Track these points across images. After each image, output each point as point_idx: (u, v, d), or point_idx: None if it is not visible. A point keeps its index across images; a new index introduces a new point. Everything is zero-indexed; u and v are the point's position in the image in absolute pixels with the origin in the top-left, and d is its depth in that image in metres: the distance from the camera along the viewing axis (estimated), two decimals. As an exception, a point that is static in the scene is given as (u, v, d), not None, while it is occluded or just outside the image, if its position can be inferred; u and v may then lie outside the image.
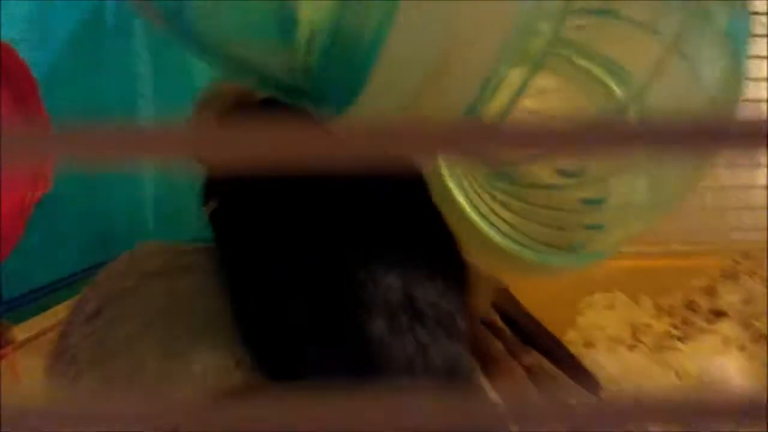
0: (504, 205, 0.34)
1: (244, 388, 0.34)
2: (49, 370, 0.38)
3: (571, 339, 0.76)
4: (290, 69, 0.24)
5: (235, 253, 0.36)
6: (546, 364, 0.51)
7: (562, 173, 0.29)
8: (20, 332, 0.50)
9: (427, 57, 0.24)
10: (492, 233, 0.36)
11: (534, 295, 0.65)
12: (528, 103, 0.30)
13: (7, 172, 0.48)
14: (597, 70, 0.34)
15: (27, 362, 0.47)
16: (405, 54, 0.24)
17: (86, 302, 0.39)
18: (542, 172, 0.30)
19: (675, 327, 0.70)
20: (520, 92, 0.29)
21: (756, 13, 0.68)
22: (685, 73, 0.33)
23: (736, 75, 0.31)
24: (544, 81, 0.32)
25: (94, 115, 0.68)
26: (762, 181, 0.91)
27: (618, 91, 0.33)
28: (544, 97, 0.31)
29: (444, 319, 0.33)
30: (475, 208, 0.36)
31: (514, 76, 0.29)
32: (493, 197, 0.34)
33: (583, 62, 0.34)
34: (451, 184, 0.36)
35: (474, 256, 0.39)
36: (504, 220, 0.35)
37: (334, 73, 0.24)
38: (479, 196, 0.36)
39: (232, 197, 0.37)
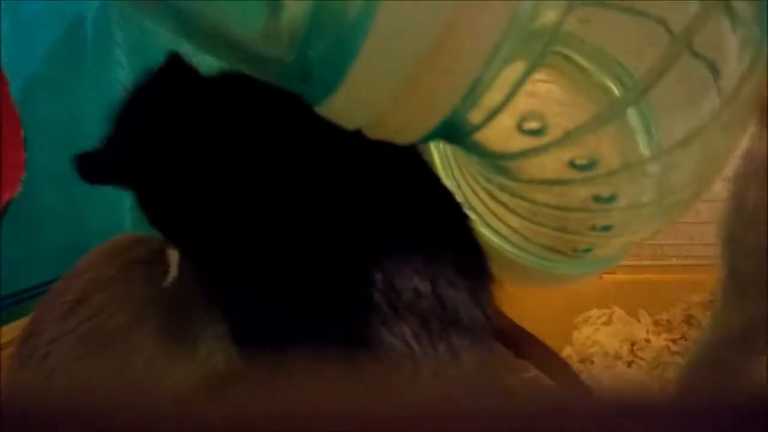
0: (504, 205, 0.32)
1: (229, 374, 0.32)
2: (14, 372, 0.35)
3: (568, 355, 0.74)
4: (275, 43, 0.22)
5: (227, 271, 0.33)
6: (544, 378, 0.49)
7: (574, 165, 0.27)
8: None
9: (417, 43, 0.22)
10: (491, 236, 0.34)
11: (528, 310, 0.63)
12: (524, 103, 0.28)
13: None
14: (597, 71, 0.32)
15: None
16: (394, 36, 0.22)
17: (62, 294, 0.37)
18: (549, 164, 0.27)
19: (674, 342, 0.68)
20: (515, 90, 0.27)
21: None
22: (698, 72, 0.31)
23: (757, 73, 0.30)
24: (542, 83, 0.30)
25: (73, 122, 0.66)
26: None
27: (617, 92, 0.31)
28: (541, 98, 0.29)
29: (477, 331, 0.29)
30: (473, 208, 0.34)
31: (513, 71, 0.27)
32: (493, 197, 0.32)
33: (584, 61, 0.32)
34: (448, 184, 0.34)
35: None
36: (504, 223, 0.33)
37: (320, 47, 0.22)
38: (477, 196, 0.34)
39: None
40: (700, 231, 0.88)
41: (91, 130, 0.69)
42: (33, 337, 0.37)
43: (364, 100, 0.23)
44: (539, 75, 0.28)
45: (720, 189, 0.89)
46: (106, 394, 0.12)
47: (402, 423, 0.12)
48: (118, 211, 0.72)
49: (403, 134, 0.26)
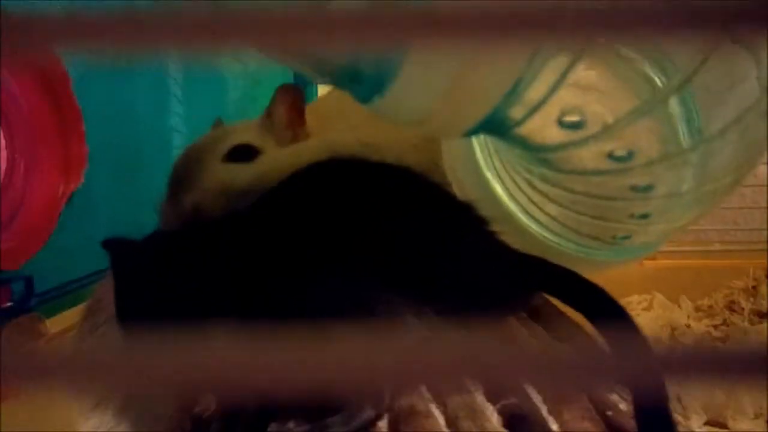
0: (544, 194, 0.33)
1: None
2: (81, 325, 0.38)
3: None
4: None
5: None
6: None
7: (612, 157, 0.28)
8: (53, 325, 0.50)
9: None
10: (531, 225, 0.35)
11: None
12: (565, 96, 0.28)
13: (39, 165, 0.48)
14: (640, 59, 0.32)
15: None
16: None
17: None
18: (588, 156, 0.28)
19: (716, 328, 0.68)
20: (558, 85, 0.27)
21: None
22: (739, 59, 0.31)
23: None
24: (586, 73, 0.30)
25: (126, 115, 0.69)
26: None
27: (659, 82, 0.32)
28: (582, 90, 0.30)
29: None
30: (513, 198, 0.35)
31: (556, 65, 0.27)
32: (533, 186, 0.33)
33: (626, 50, 0.32)
34: (488, 174, 0.35)
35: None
36: (544, 212, 0.34)
37: (368, 54, 0.23)
38: (518, 186, 0.34)
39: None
40: (745, 216, 0.86)
41: (146, 120, 0.71)
42: (92, 315, 0.39)
43: (411, 100, 0.25)
44: (582, 65, 0.29)
45: (765, 173, 0.87)
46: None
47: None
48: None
49: (447, 131, 0.27)
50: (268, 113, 0.42)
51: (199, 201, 0.39)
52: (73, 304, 0.55)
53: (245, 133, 0.42)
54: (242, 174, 0.39)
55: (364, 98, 0.26)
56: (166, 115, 0.73)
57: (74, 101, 0.50)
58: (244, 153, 0.40)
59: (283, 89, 0.41)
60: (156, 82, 0.72)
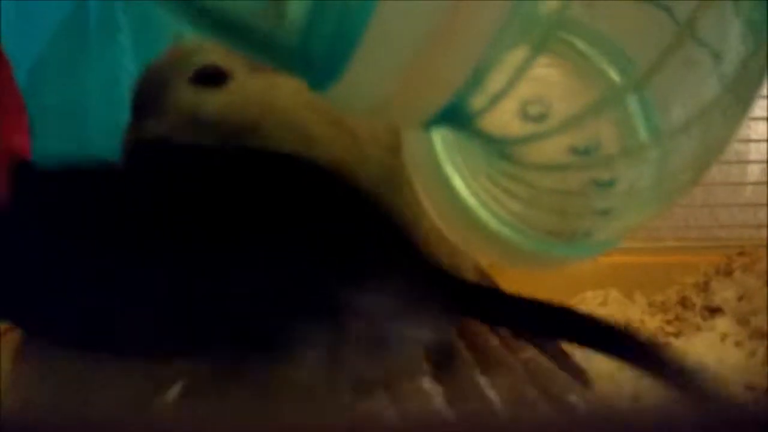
0: (506, 190, 0.32)
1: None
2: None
3: (563, 336, 0.74)
4: (276, 26, 0.22)
5: None
6: (542, 359, 0.49)
7: (574, 151, 0.27)
8: None
9: (419, 28, 0.22)
10: (491, 221, 0.34)
11: (524, 292, 0.64)
12: (526, 88, 0.28)
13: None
14: (598, 57, 0.32)
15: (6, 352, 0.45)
16: (397, 21, 0.22)
17: None
18: (550, 150, 0.28)
19: (669, 323, 0.69)
20: (519, 75, 0.27)
21: None
22: (700, 58, 0.31)
23: (758, 65, 0.30)
24: (545, 70, 0.30)
25: (81, 109, 0.66)
26: (752, 177, 0.90)
27: (617, 80, 0.32)
28: (543, 84, 0.29)
29: None
30: (474, 194, 0.34)
31: (516, 56, 0.27)
32: (494, 182, 0.33)
33: (585, 47, 0.32)
34: (449, 169, 0.34)
35: (470, 247, 0.37)
36: (505, 208, 0.33)
37: (323, 34, 0.22)
38: (478, 181, 0.34)
39: None
40: (696, 214, 0.88)
41: (97, 115, 0.69)
42: None
43: (368, 84, 0.24)
44: (541, 60, 0.28)
45: (715, 173, 0.89)
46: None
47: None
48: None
49: (407, 118, 0.26)
50: None
51: (166, 130, 0.36)
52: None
53: (212, 52, 0.37)
54: (212, 100, 0.35)
55: (318, 85, 0.24)
56: (118, 111, 0.70)
57: (16, 90, 0.48)
58: (212, 76, 0.36)
59: None
60: (109, 75, 0.69)
